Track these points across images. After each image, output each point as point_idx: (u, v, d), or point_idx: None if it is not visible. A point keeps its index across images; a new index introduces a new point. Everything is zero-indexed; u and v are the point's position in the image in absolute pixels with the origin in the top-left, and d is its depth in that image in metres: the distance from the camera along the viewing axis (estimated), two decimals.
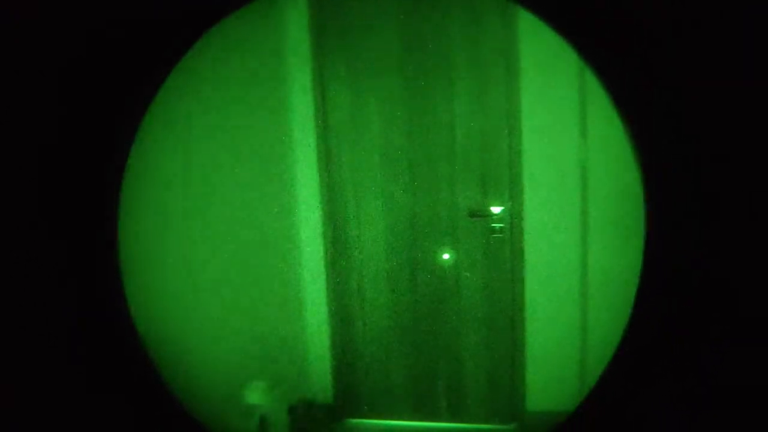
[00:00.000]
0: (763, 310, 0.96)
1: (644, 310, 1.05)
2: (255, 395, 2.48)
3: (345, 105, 2.97)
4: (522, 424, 2.94)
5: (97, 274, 1.12)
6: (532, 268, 2.85)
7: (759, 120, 0.95)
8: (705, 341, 0.98)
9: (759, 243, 0.95)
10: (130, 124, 1.14)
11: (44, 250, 1.05)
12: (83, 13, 1.01)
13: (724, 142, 0.97)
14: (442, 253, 2.95)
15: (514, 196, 2.84)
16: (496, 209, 2.86)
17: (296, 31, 2.95)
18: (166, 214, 2.10)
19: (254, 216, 2.74)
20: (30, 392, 1.07)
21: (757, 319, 0.96)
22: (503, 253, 2.89)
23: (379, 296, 3.05)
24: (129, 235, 1.52)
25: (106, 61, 1.04)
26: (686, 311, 0.99)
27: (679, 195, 0.99)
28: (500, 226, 2.87)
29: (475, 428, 3.01)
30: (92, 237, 1.10)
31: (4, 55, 0.99)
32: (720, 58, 0.96)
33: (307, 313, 3.12)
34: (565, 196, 2.76)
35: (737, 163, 0.96)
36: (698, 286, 0.98)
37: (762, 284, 0.96)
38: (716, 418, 0.99)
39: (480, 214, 2.87)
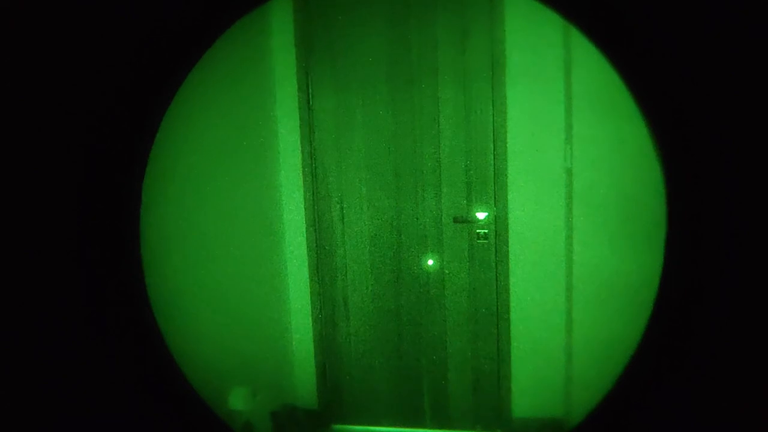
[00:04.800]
0: None
1: (662, 315, 1.04)
2: (238, 401, 2.45)
3: (331, 114, 2.96)
4: (507, 431, 2.94)
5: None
6: (517, 274, 2.86)
7: None
8: (718, 346, 0.97)
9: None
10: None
11: (75, 247, 1.07)
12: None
13: (747, 143, 0.96)
14: (427, 259, 2.95)
15: (498, 201, 2.84)
16: (480, 215, 2.86)
17: (282, 39, 2.94)
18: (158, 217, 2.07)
19: (237, 221, 2.71)
20: (57, 380, 1.08)
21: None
22: (488, 258, 2.89)
23: (363, 302, 3.03)
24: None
25: (127, 70, 1.07)
26: (705, 315, 0.99)
27: (700, 198, 0.98)
28: (485, 232, 2.87)
29: None
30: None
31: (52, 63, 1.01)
32: (750, 58, 0.95)
33: (291, 318, 3.10)
34: (550, 202, 2.77)
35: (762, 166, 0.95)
36: (717, 290, 0.98)
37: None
38: (731, 424, 0.98)
39: (465, 220, 2.88)
